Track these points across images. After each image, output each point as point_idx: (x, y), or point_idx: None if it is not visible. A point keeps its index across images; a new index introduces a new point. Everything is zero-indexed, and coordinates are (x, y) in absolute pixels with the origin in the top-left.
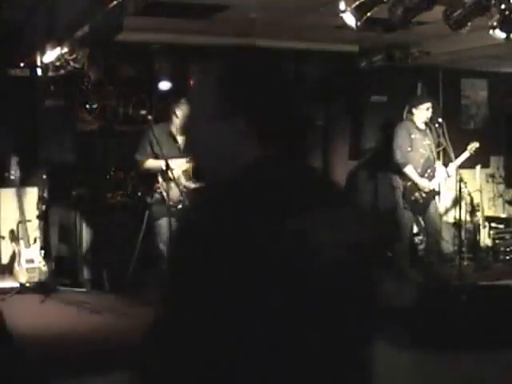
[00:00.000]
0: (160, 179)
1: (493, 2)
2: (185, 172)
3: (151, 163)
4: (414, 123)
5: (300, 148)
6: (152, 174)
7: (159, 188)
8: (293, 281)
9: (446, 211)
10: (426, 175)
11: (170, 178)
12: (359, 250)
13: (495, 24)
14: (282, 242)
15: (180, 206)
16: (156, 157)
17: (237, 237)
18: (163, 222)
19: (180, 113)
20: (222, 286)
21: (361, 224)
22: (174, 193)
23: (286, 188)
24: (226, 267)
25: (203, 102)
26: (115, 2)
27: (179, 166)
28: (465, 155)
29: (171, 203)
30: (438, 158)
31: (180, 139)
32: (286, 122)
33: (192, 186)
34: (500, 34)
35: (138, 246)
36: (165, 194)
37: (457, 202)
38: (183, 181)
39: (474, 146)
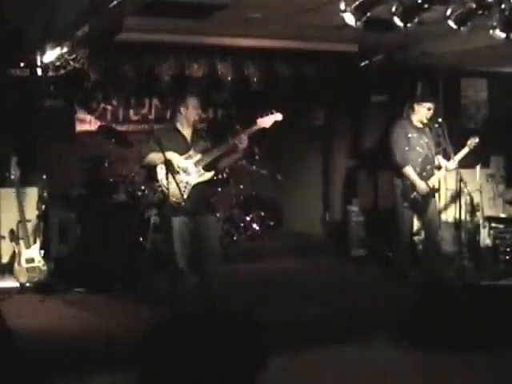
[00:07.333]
0: (160, 176)
1: (493, 2)
2: (198, 162)
3: (152, 156)
4: (411, 122)
5: None
6: (153, 171)
7: (160, 186)
8: None
9: (446, 211)
10: (425, 173)
11: (171, 174)
12: None
13: (495, 24)
14: None
15: (183, 204)
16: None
17: None
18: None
19: (184, 109)
20: None
21: None
22: (175, 189)
23: None
24: None
25: None
26: (115, 2)
27: (183, 161)
28: (465, 151)
29: (173, 200)
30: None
31: (186, 133)
32: None
33: (193, 182)
34: (500, 34)
35: (136, 245)
36: (166, 191)
37: (457, 201)
38: (184, 177)
39: (473, 140)
